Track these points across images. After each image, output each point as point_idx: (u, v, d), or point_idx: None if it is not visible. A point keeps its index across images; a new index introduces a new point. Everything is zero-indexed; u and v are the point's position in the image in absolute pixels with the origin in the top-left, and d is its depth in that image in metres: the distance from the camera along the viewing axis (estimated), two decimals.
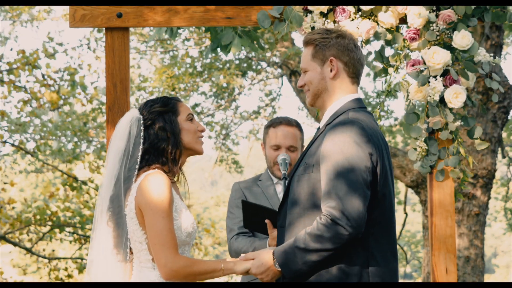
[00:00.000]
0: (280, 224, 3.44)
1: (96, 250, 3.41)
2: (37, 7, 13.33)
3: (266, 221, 3.99)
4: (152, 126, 3.43)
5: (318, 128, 3.51)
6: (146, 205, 3.29)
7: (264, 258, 3.30)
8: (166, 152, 3.42)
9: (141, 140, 3.42)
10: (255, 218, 4.06)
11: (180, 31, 11.29)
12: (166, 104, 3.48)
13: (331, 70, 3.42)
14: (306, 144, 4.41)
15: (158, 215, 3.27)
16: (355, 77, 3.46)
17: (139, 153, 3.40)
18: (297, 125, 4.46)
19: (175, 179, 3.49)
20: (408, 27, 4.25)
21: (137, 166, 3.38)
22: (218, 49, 4.77)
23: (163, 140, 3.41)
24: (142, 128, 3.43)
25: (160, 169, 3.37)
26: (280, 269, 3.25)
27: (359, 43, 4.27)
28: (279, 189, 4.43)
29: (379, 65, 4.38)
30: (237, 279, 18.27)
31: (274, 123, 4.45)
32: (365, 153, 3.21)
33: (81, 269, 12.94)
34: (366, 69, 12.17)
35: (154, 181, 3.31)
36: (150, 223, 3.28)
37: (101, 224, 3.41)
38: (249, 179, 4.55)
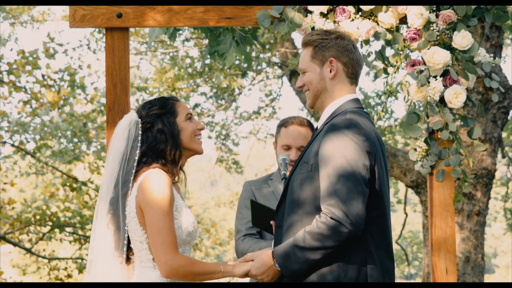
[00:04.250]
0: (278, 223, 3.44)
1: (96, 251, 3.41)
2: (37, 9, 13.31)
3: (272, 222, 3.99)
4: (150, 129, 3.42)
5: (316, 128, 3.52)
6: (146, 203, 3.28)
7: (263, 258, 3.30)
8: (165, 154, 3.41)
9: (139, 144, 3.41)
10: (262, 218, 4.07)
11: (180, 31, 11.28)
12: (164, 106, 3.47)
13: (330, 71, 3.44)
14: None
15: (158, 213, 3.26)
16: (354, 78, 3.48)
17: (136, 157, 3.39)
18: (309, 125, 4.41)
19: (175, 179, 3.49)
20: (408, 27, 4.24)
21: (133, 171, 3.37)
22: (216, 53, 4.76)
23: (162, 142, 3.40)
24: (140, 132, 3.42)
25: (160, 168, 3.37)
26: (280, 269, 3.25)
27: (359, 43, 4.28)
28: None
29: (379, 65, 4.38)
30: (238, 279, 18.23)
31: (286, 122, 4.39)
32: (363, 152, 3.23)
33: (81, 269, 12.94)
34: (366, 69, 12.17)
35: (155, 180, 3.31)
36: (150, 221, 3.27)
37: (101, 226, 3.41)
38: (260, 178, 4.52)
